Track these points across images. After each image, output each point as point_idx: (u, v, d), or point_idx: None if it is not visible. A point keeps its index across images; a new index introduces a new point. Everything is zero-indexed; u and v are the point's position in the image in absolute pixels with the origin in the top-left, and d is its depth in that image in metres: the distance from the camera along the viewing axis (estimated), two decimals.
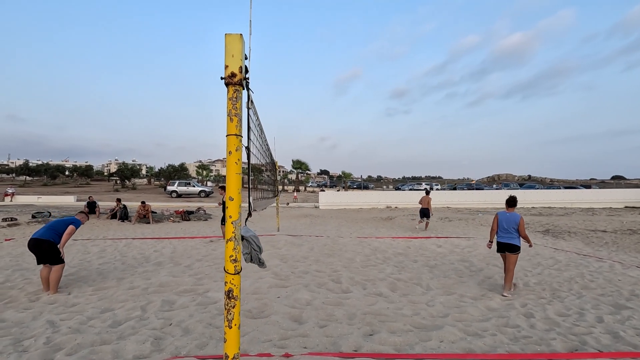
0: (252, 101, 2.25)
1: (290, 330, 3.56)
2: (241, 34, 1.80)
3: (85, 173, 62.52)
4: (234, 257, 1.78)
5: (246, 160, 2.19)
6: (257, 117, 2.91)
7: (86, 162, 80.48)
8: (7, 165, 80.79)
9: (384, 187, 62.20)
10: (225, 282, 1.78)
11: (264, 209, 5.37)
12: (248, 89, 2.01)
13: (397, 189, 48.20)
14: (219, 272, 5.89)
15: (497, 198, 23.10)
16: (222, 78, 1.78)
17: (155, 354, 3.06)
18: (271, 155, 6.71)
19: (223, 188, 9.72)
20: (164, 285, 5.14)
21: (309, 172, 59.14)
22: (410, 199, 23.52)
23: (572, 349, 3.27)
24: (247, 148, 2.23)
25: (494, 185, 46.51)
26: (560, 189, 32.79)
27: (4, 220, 12.87)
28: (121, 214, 13.95)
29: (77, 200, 27.84)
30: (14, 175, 64.10)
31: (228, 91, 1.79)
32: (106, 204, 20.42)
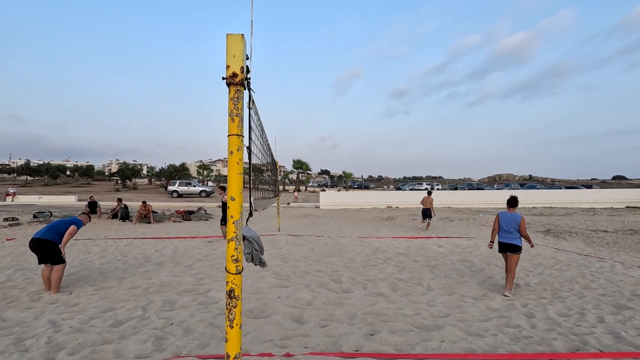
0: (253, 101, 2.25)
1: (291, 330, 3.56)
2: (242, 34, 1.80)
3: (86, 173, 62.67)
4: (235, 257, 1.79)
5: (247, 160, 2.19)
6: (258, 117, 2.92)
7: (87, 162, 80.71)
8: (9, 165, 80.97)
9: (385, 187, 62.17)
10: (227, 282, 1.79)
11: (264, 208, 5.37)
12: (249, 89, 2.01)
13: (398, 189, 48.19)
14: (220, 272, 5.90)
15: (498, 198, 23.09)
16: (223, 78, 1.78)
17: (156, 353, 3.07)
18: (272, 155, 6.72)
19: (223, 188, 9.70)
20: (165, 285, 5.15)
21: (309, 172, 59.18)
22: (411, 199, 23.52)
23: (573, 349, 3.26)
24: (249, 148, 2.24)
25: (495, 186, 46.45)
26: (561, 189, 32.74)
27: (6, 220, 12.91)
28: (122, 214, 13.97)
29: (78, 200, 27.90)
30: (15, 175, 64.18)
31: (229, 91, 1.79)
32: (107, 203, 20.45)
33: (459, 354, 3.14)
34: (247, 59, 1.89)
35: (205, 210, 17.15)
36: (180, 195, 33.85)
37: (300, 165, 52.11)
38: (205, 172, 60.73)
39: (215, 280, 5.38)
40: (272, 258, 6.85)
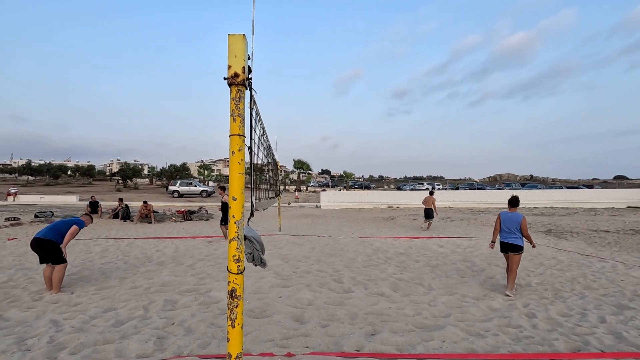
0: (254, 101, 2.26)
1: (292, 330, 3.56)
2: (244, 35, 1.80)
3: (88, 173, 62.79)
4: (236, 257, 1.79)
5: (248, 160, 2.19)
6: (260, 117, 2.92)
7: (88, 162, 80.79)
8: (10, 165, 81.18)
9: (386, 187, 62.14)
10: (229, 282, 1.79)
11: (265, 208, 5.37)
12: (251, 89, 2.01)
13: (399, 188, 48.16)
14: (221, 271, 5.90)
15: (498, 198, 23.06)
16: (225, 78, 1.79)
17: (157, 353, 3.07)
18: (273, 155, 6.73)
19: (222, 188, 9.69)
20: (166, 284, 5.16)
21: (310, 172, 59.18)
22: (412, 199, 23.51)
23: (574, 349, 3.26)
24: (250, 148, 2.24)
25: (496, 186, 46.40)
26: (562, 189, 32.68)
27: (7, 219, 12.93)
28: (123, 214, 13.99)
29: (80, 200, 27.95)
30: (16, 175, 64.34)
31: (231, 91, 1.80)
32: (108, 203, 20.48)
33: (460, 354, 3.14)
34: (249, 59, 1.89)
35: (206, 210, 17.17)
36: (181, 195, 33.88)
37: (301, 165, 52.10)
38: (206, 172, 60.77)
39: (216, 280, 5.39)
40: (273, 258, 6.85)
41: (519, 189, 34.63)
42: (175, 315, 3.93)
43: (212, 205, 22.03)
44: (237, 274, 1.78)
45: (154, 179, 61.20)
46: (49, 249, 4.68)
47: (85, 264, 6.53)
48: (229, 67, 1.78)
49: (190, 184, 35.64)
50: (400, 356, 3.06)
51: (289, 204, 27.49)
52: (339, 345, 3.25)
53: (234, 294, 1.78)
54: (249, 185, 2.26)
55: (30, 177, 58.19)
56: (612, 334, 3.57)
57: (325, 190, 36.89)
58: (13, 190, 29.58)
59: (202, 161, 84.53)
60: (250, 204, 2.40)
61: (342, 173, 63.21)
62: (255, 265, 2.15)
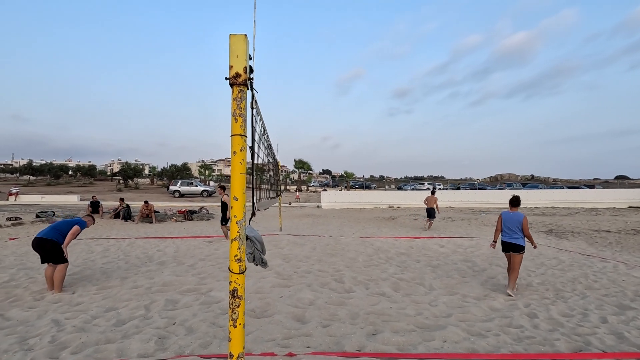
0: (256, 101, 2.26)
1: (294, 330, 3.57)
2: (245, 35, 1.80)
3: (89, 173, 62.92)
4: (238, 257, 1.79)
5: (250, 160, 2.19)
6: (261, 117, 2.92)
7: (89, 162, 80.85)
8: (11, 165, 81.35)
9: (386, 186, 62.12)
10: (230, 282, 1.79)
11: (266, 208, 5.38)
12: (252, 89, 2.01)
13: (400, 188, 48.12)
14: (222, 271, 5.91)
15: (499, 198, 23.03)
16: (226, 78, 1.79)
17: (159, 352, 3.08)
18: (274, 155, 6.73)
19: (222, 188, 9.70)
20: (167, 284, 5.17)
21: (311, 171, 59.17)
22: (413, 198, 23.49)
23: (576, 349, 3.26)
24: (251, 148, 2.24)
25: (497, 185, 46.35)
26: (563, 188, 32.63)
27: (9, 219, 12.96)
28: (124, 214, 14.01)
29: (81, 200, 27.98)
30: (17, 174, 64.50)
31: (233, 91, 1.80)
32: (109, 203, 20.51)
33: (462, 353, 3.14)
34: (250, 59, 1.89)
35: (207, 210, 17.19)
36: (182, 195, 33.92)
37: (301, 165, 52.11)
38: (207, 172, 60.83)
39: (217, 280, 5.39)
40: (274, 258, 6.85)
41: (520, 189, 34.58)
42: (177, 315, 3.94)
43: (213, 205, 22.05)
44: (239, 273, 1.79)
45: (154, 179, 61.26)
46: (49, 248, 4.69)
47: (86, 263, 6.54)
48: (231, 67, 1.78)
49: (191, 183, 35.68)
50: (402, 356, 3.06)
51: (290, 203, 27.50)
52: (340, 345, 3.25)
53: (235, 294, 1.78)
54: (250, 185, 2.26)
55: (31, 177, 58.31)
56: (614, 334, 3.57)
57: (326, 190, 36.90)
58: (14, 190, 29.63)
59: (203, 161, 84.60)
60: (251, 204, 2.40)
61: (342, 173, 63.19)
62: (256, 265, 2.15)
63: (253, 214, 2.39)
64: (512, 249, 4.90)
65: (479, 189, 36.35)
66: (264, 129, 3.59)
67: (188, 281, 5.31)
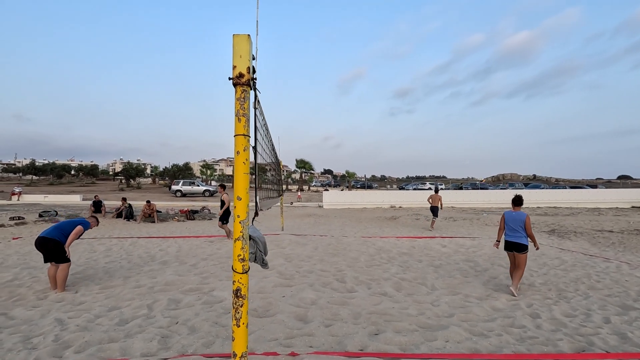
0: (258, 101, 2.26)
1: (296, 330, 3.57)
2: (249, 35, 1.80)
3: (91, 172, 63.10)
4: (242, 257, 1.79)
5: (253, 160, 2.20)
6: (263, 117, 2.93)
7: (91, 162, 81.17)
8: (14, 164, 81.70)
9: (388, 186, 62.07)
10: (234, 281, 1.80)
11: (269, 208, 5.38)
12: (255, 89, 2.02)
13: (401, 188, 48.07)
14: (224, 271, 5.92)
15: (501, 198, 22.98)
16: (230, 78, 1.79)
17: (162, 352, 3.09)
18: (276, 154, 6.73)
19: (223, 187, 9.72)
20: (169, 284, 5.18)
21: (312, 171, 59.17)
22: (415, 198, 23.48)
23: (579, 349, 3.25)
24: (254, 148, 2.25)
25: (500, 185, 46.24)
26: (565, 188, 32.54)
27: (12, 219, 13.03)
28: (127, 213, 14.06)
29: (83, 200, 28.08)
30: (20, 174, 64.77)
31: (236, 91, 1.80)
32: (112, 203, 20.59)
33: (464, 354, 3.13)
34: (253, 59, 1.90)
35: (209, 210, 17.22)
36: (184, 195, 33.99)
37: (303, 164, 52.13)
38: (208, 172, 60.89)
39: (220, 279, 5.40)
40: (275, 257, 6.86)
41: (522, 188, 34.48)
42: (179, 315, 3.95)
43: (215, 205, 22.08)
44: (242, 273, 1.79)
45: (156, 179, 61.43)
46: (52, 248, 4.71)
47: (89, 263, 6.56)
48: (234, 67, 1.78)
49: (193, 183, 35.76)
50: (404, 356, 3.06)
51: (292, 203, 27.52)
52: (343, 344, 3.26)
53: (238, 293, 1.79)
54: (253, 185, 2.26)
55: (34, 176, 58.58)
56: (617, 335, 3.55)
57: (327, 190, 36.91)
58: (17, 190, 29.77)
59: (204, 161, 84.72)
60: (254, 204, 2.41)
61: (344, 173, 63.16)
62: (257, 263, 2.16)
63: (256, 214, 2.40)
64: (515, 248, 4.89)
65: (481, 188, 36.28)
66: (267, 129, 3.60)
67: (190, 281, 5.32)
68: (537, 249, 5.02)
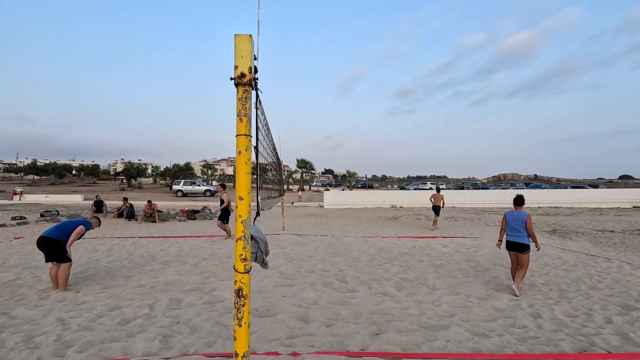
0: (260, 101, 2.26)
1: (297, 329, 3.57)
2: (250, 35, 1.81)
3: (92, 172, 63.18)
4: (243, 256, 1.80)
5: (254, 160, 2.20)
6: (265, 117, 2.93)
7: (93, 162, 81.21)
8: (16, 164, 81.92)
9: (389, 186, 62.02)
10: (235, 281, 1.80)
11: (270, 208, 5.38)
12: (257, 89, 2.02)
13: (402, 188, 48.04)
14: (225, 270, 5.92)
15: (502, 198, 22.96)
16: (231, 78, 1.79)
17: (164, 351, 3.09)
18: (277, 154, 6.74)
19: (223, 186, 9.80)
20: (171, 283, 5.19)
21: (313, 171, 59.16)
22: (415, 198, 23.46)
23: (580, 349, 3.24)
24: (256, 148, 2.25)
25: (501, 185, 46.17)
26: (567, 188, 32.48)
27: (14, 218, 13.05)
28: (128, 213, 14.08)
29: (84, 199, 28.12)
30: (22, 174, 64.93)
31: (238, 91, 1.80)
32: (113, 202, 20.61)
33: (465, 353, 3.13)
34: (255, 59, 1.90)
35: (210, 210, 17.24)
36: (185, 195, 34.03)
37: (304, 164, 52.14)
38: (209, 172, 60.95)
39: (221, 279, 5.41)
40: (276, 257, 6.87)
41: (523, 188, 34.43)
42: (181, 314, 3.95)
43: (216, 205, 22.11)
44: (244, 273, 1.79)
45: (157, 179, 61.51)
46: (53, 247, 4.72)
47: (90, 262, 6.57)
48: (236, 67, 1.78)
49: (194, 183, 35.80)
50: (405, 356, 3.06)
51: (292, 203, 27.53)
52: (344, 344, 3.26)
53: (240, 293, 1.79)
54: (255, 185, 2.26)
55: (35, 176, 58.70)
56: (619, 335, 3.55)
57: (328, 190, 36.89)
58: (19, 190, 29.84)
59: (205, 160, 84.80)
60: (256, 204, 2.41)
61: (345, 172, 63.17)
62: (257, 263, 2.16)
63: (257, 214, 2.40)
64: (516, 248, 4.89)
65: (482, 188, 36.24)
66: (268, 129, 3.60)
67: (191, 280, 5.33)
68: (538, 249, 5.01)
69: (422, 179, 79.53)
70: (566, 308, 4.32)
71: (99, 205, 14.80)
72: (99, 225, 5.56)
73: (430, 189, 35.90)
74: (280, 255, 7.08)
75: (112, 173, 78.49)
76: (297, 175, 61.35)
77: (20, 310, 4.04)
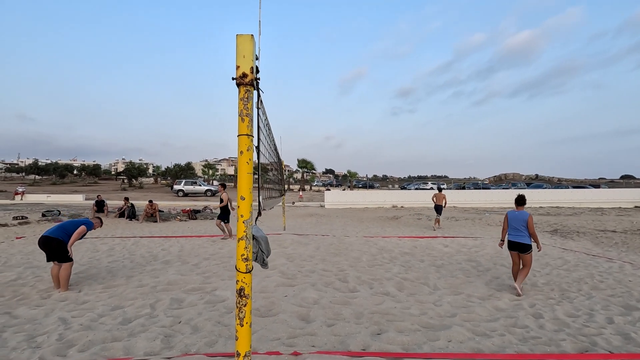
0: (261, 101, 2.26)
1: (298, 329, 3.58)
2: (252, 35, 1.81)
3: (93, 172, 63.26)
4: (245, 256, 1.80)
5: (256, 160, 2.20)
6: (266, 117, 2.93)
7: (94, 161, 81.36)
8: (17, 164, 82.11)
9: (390, 186, 61.98)
10: (237, 281, 1.80)
11: (271, 208, 5.39)
12: (258, 89, 2.02)
13: (403, 188, 48.03)
14: (226, 270, 5.93)
15: (504, 198, 22.93)
16: (233, 79, 1.80)
17: (165, 351, 3.10)
18: (278, 154, 6.74)
19: (223, 186, 9.90)
20: (172, 283, 5.19)
21: (314, 171, 59.15)
22: (416, 198, 23.45)
23: (582, 349, 3.24)
24: (257, 148, 2.25)
25: (502, 185, 46.09)
26: (568, 188, 32.43)
27: (15, 218, 13.08)
28: (129, 213, 14.10)
29: (86, 199, 28.18)
30: (23, 174, 65.06)
31: (239, 92, 1.80)
32: (114, 202, 20.65)
33: (467, 353, 3.13)
34: (256, 59, 1.90)
35: (211, 209, 17.25)
36: (186, 195, 34.07)
37: (305, 164, 52.15)
38: (210, 172, 60.99)
39: (222, 279, 5.41)
40: (278, 257, 6.87)
41: (525, 188, 34.39)
42: (182, 314, 3.96)
43: (217, 205, 22.12)
44: (246, 272, 1.79)
45: (158, 178, 61.59)
46: (55, 247, 4.73)
47: (92, 262, 6.59)
48: (238, 67, 1.79)
49: (195, 183, 35.85)
50: (407, 355, 3.06)
51: (293, 203, 27.54)
52: (345, 344, 3.26)
53: (242, 293, 1.79)
54: (256, 185, 2.27)
55: (37, 176, 58.79)
56: (620, 335, 3.54)
57: (329, 190, 36.89)
58: (20, 189, 29.93)
59: (206, 160, 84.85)
60: (258, 204, 2.41)
61: (346, 172, 63.17)
62: (257, 262, 2.16)
63: (259, 214, 2.40)
64: (518, 248, 4.89)
65: (483, 188, 36.20)
66: (269, 129, 3.60)
67: (193, 280, 5.34)
68: (539, 249, 5.00)
69: (423, 179, 79.46)
70: (568, 308, 4.31)
71: (100, 205, 14.83)
72: (101, 226, 5.57)
73: (431, 188, 35.91)
74: (281, 255, 7.09)
75: (113, 173, 78.57)
76: (298, 175, 61.36)
77: (22, 310, 4.05)
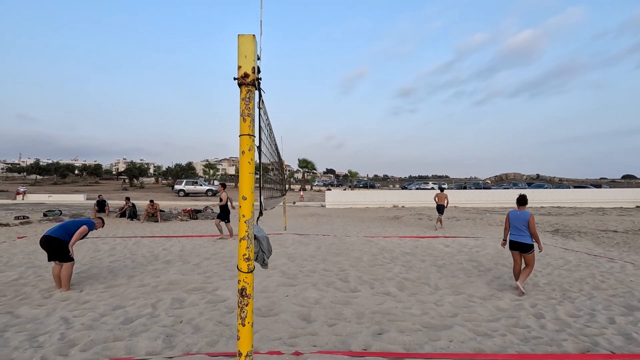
0: (262, 101, 2.27)
1: (300, 329, 3.58)
2: (254, 35, 1.81)
3: (94, 172, 63.38)
4: (247, 256, 1.80)
5: (257, 160, 2.20)
6: (267, 117, 2.93)
7: (95, 161, 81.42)
8: (18, 164, 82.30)
9: (391, 186, 61.96)
10: (239, 280, 1.80)
11: (272, 207, 5.39)
12: (260, 89, 2.02)
13: (404, 188, 48.00)
14: (227, 270, 5.94)
15: (505, 197, 22.90)
16: (235, 79, 1.80)
17: (167, 350, 3.10)
18: (279, 154, 6.74)
19: (223, 185, 9.96)
20: (173, 283, 5.20)
21: (315, 171, 59.20)
22: (417, 198, 23.44)
23: (583, 350, 3.23)
24: (259, 148, 2.25)
25: (503, 185, 46.04)
26: (569, 188, 32.37)
27: (17, 218, 13.12)
28: (130, 213, 14.13)
29: (87, 199, 28.24)
30: (25, 174, 65.22)
31: (241, 91, 1.81)
32: (115, 202, 20.68)
33: (468, 353, 3.13)
34: (258, 59, 1.90)
35: (212, 209, 17.27)
36: (187, 194, 34.13)
37: (305, 164, 52.20)
38: (211, 171, 61.04)
39: (223, 278, 5.42)
40: (279, 257, 6.88)
41: (526, 188, 34.34)
42: (183, 314, 3.96)
43: (218, 204, 22.14)
44: (247, 272, 1.80)
45: (159, 178, 61.69)
46: (56, 247, 4.74)
47: (93, 262, 6.60)
48: (239, 67, 1.79)
49: (196, 183, 35.90)
50: (408, 355, 3.06)
51: (294, 203, 27.55)
52: (346, 344, 3.26)
53: (244, 293, 1.79)
54: (258, 185, 2.27)
55: (38, 176, 58.92)
56: (622, 335, 3.54)
57: (330, 190, 36.88)
58: (22, 189, 30.00)
59: (207, 160, 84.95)
60: (259, 204, 2.41)
61: (346, 172, 63.19)
62: (257, 262, 2.17)
63: (260, 214, 2.41)
64: (519, 248, 4.89)
65: (484, 188, 36.17)
66: (270, 129, 3.60)
67: (194, 280, 5.35)
68: (541, 250, 5.00)
69: (424, 179, 79.38)
70: (569, 308, 4.31)
71: (101, 205, 14.86)
72: (103, 226, 5.58)
73: (432, 188, 35.88)
74: (282, 255, 7.09)
75: (114, 173, 78.74)
76: (299, 175, 61.40)
77: (24, 309, 4.06)
